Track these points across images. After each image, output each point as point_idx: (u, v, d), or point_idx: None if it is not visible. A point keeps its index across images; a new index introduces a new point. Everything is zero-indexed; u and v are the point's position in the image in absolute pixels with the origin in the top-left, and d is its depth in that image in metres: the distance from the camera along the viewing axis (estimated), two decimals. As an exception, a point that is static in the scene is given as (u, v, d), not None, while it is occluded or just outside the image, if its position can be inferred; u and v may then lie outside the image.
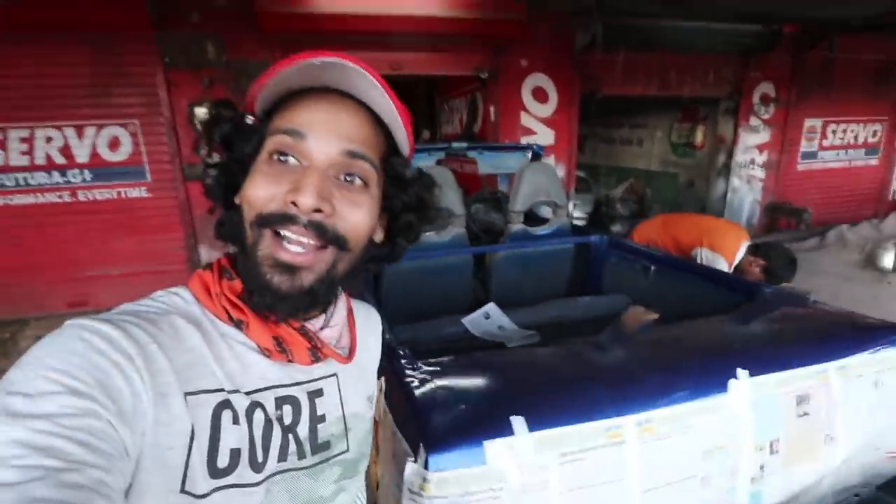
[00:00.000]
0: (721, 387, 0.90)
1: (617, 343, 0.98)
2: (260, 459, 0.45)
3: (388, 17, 3.46)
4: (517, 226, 2.10)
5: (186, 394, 0.42)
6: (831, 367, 1.00)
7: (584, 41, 4.09)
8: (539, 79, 4.34)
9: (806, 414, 0.96)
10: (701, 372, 0.92)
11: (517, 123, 4.40)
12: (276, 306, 0.45)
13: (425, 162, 2.51)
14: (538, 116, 4.45)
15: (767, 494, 0.95)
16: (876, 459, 1.07)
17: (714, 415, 0.88)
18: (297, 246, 0.44)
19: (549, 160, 4.57)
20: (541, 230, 2.15)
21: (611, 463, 0.79)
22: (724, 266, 2.13)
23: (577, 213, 6.60)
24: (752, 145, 5.15)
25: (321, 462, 0.50)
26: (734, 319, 1.12)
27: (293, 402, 0.49)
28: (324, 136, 0.45)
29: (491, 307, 1.80)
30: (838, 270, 2.44)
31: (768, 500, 0.95)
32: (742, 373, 0.92)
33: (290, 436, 0.48)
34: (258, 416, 0.45)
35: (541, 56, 4.26)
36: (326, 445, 0.51)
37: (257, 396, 0.46)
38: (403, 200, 0.53)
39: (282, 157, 0.45)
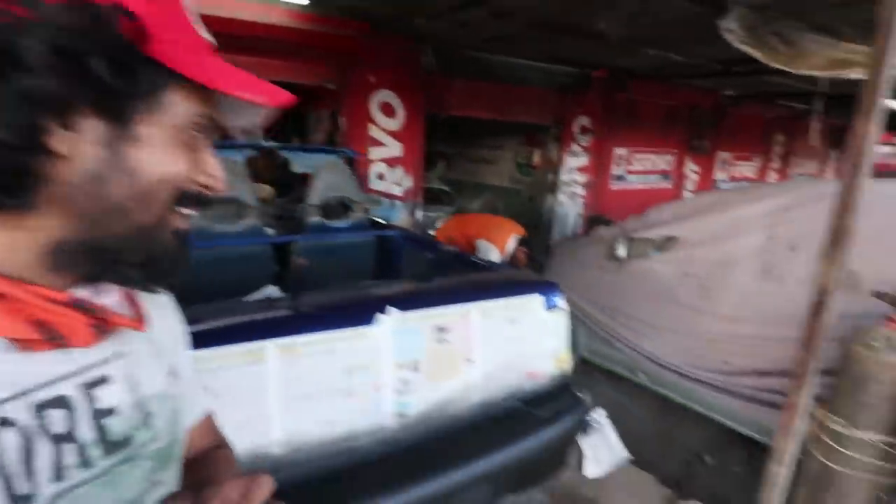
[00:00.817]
0: (369, 320, 1.16)
1: (305, 294, 1.20)
2: (23, 491, 0.36)
3: (233, 21, 3.50)
4: (314, 218, 2.29)
5: None
6: (473, 306, 1.34)
7: (426, 65, 4.54)
8: (387, 94, 4.66)
9: (445, 341, 1.27)
10: (353, 309, 1.17)
11: (365, 134, 4.66)
12: (174, 273, 0.44)
13: (237, 158, 2.59)
14: (386, 129, 4.76)
15: (415, 404, 1.23)
16: (517, 378, 1.44)
17: (359, 341, 1.14)
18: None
19: (398, 171, 4.92)
20: (337, 223, 2.37)
21: (250, 377, 0.99)
22: (496, 254, 2.56)
23: (441, 224, 7.14)
24: (574, 167, 6.09)
25: (121, 463, 0.42)
26: (420, 277, 1.42)
27: (62, 402, 0.39)
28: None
29: (271, 289, 1.95)
30: (593, 261, 3.06)
31: (416, 408, 1.23)
32: (391, 309, 1.19)
33: (67, 446, 0.39)
34: (8, 437, 0.35)
35: (388, 74, 4.59)
36: (127, 442, 0.43)
37: (1, 412, 0.36)
38: None
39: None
